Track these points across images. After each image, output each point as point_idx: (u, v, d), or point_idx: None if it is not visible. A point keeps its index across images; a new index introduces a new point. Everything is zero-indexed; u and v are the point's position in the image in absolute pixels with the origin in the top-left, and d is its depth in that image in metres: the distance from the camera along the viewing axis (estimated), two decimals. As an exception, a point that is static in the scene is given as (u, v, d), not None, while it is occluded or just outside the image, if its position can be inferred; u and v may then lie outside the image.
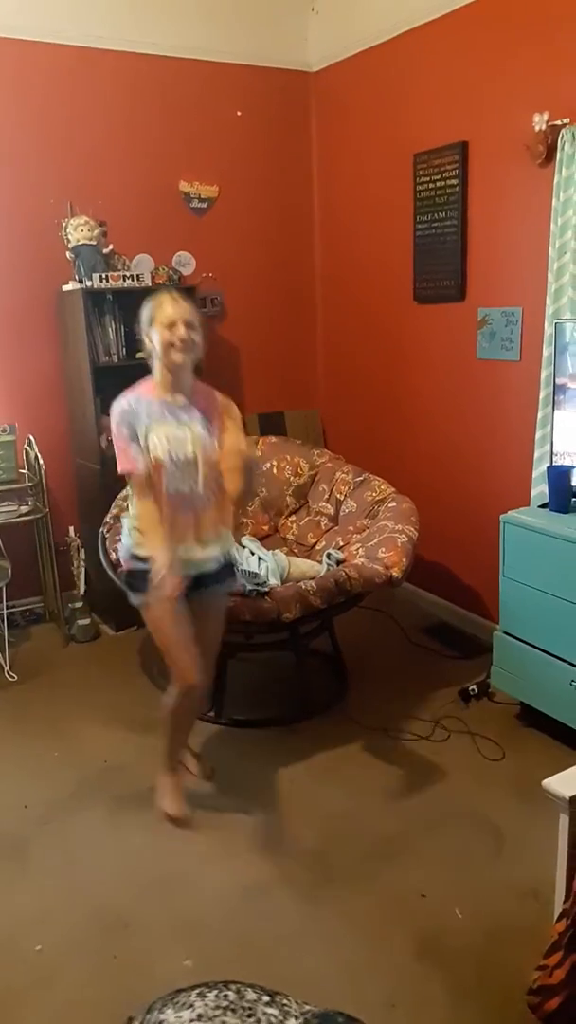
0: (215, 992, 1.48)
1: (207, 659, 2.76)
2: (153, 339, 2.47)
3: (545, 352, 3.28)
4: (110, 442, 4.08)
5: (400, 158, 4.07)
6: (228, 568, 2.73)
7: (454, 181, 3.76)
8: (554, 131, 3.18)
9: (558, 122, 3.16)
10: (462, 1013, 2.02)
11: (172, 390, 2.53)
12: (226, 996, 1.47)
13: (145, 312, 2.50)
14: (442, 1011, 2.03)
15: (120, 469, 2.53)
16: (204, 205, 4.53)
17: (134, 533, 2.58)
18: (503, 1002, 2.03)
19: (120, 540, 2.72)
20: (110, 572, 3.48)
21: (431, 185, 3.90)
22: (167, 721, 2.71)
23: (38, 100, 4.02)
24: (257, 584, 3.24)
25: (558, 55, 3.18)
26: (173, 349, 2.45)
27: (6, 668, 3.82)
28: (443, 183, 3.83)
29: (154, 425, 2.49)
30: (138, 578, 2.59)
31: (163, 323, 2.44)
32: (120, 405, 2.53)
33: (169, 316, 2.44)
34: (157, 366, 2.52)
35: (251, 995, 1.48)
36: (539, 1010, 1.88)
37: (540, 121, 3.23)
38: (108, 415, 4.15)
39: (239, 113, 4.53)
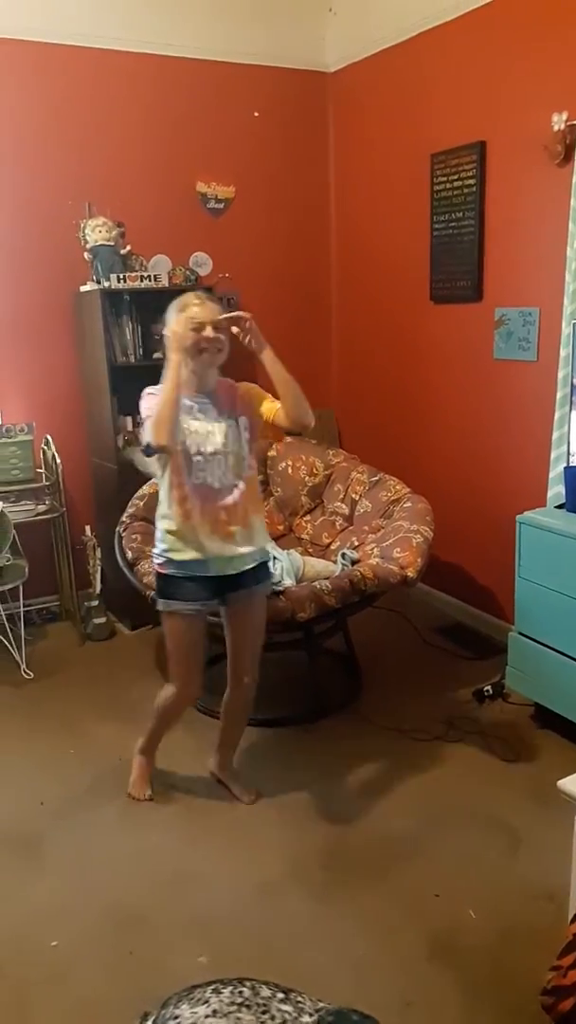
0: (230, 988, 1.49)
1: (250, 663, 2.77)
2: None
3: (562, 353, 3.27)
4: (127, 441, 4.13)
5: (417, 158, 4.07)
6: (264, 567, 2.71)
7: (472, 181, 3.75)
8: (572, 131, 3.17)
9: (576, 122, 3.16)
10: (476, 1013, 2.02)
11: (197, 389, 2.53)
12: (241, 992, 1.48)
13: (171, 314, 2.49)
14: (456, 1011, 2.03)
15: (142, 416, 2.46)
16: (221, 206, 4.55)
17: (167, 537, 2.57)
18: (517, 1002, 2.03)
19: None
20: (126, 571, 3.50)
21: (448, 185, 3.90)
22: (155, 715, 2.85)
23: (56, 102, 4.05)
24: (272, 583, 3.25)
25: (576, 54, 3.18)
26: (202, 352, 2.44)
27: (22, 666, 3.85)
28: (460, 183, 3.82)
29: (182, 419, 2.47)
30: (167, 583, 2.60)
31: (190, 326, 2.43)
32: (150, 389, 2.50)
33: (197, 319, 2.43)
34: None
35: (266, 992, 1.49)
36: (553, 1011, 1.88)
37: (559, 121, 3.22)
38: (124, 414, 4.20)
39: (256, 114, 4.54)
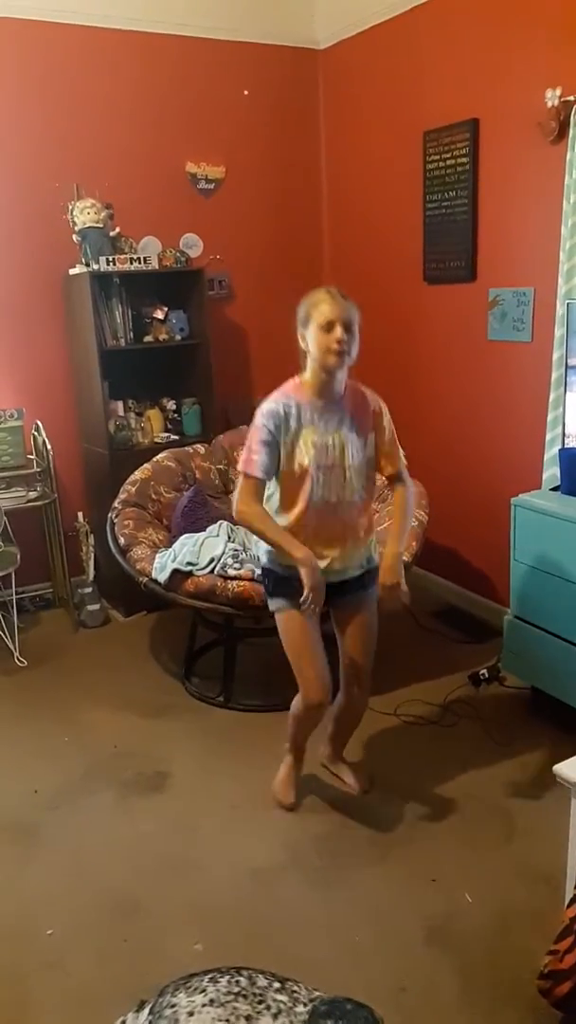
0: (227, 978, 1.48)
1: (360, 671, 2.66)
2: (308, 340, 2.33)
3: (557, 333, 3.24)
4: (118, 426, 4.09)
5: (410, 136, 4.02)
6: (372, 572, 2.59)
7: (464, 159, 3.71)
8: (566, 107, 3.12)
9: (570, 98, 3.10)
10: (472, 997, 2.02)
11: (323, 393, 2.38)
12: (238, 982, 1.47)
13: (301, 310, 2.35)
14: (452, 995, 2.03)
15: (239, 467, 2.42)
16: (211, 186, 4.49)
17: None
18: (513, 987, 2.03)
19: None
20: (119, 558, 3.47)
21: (441, 163, 3.84)
22: (289, 724, 2.71)
23: (43, 81, 3.98)
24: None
25: (570, 30, 3.11)
26: (331, 354, 2.30)
27: (16, 654, 3.83)
28: (453, 161, 3.77)
29: (303, 430, 2.37)
30: (276, 581, 2.51)
31: (320, 324, 2.29)
32: (271, 407, 2.38)
33: (327, 317, 2.28)
34: (310, 366, 2.37)
35: (262, 981, 1.48)
36: (549, 995, 1.88)
37: (552, 97, 3.17)
38: (115, 399, 4.16)
39: (246, 92, 4.47)
